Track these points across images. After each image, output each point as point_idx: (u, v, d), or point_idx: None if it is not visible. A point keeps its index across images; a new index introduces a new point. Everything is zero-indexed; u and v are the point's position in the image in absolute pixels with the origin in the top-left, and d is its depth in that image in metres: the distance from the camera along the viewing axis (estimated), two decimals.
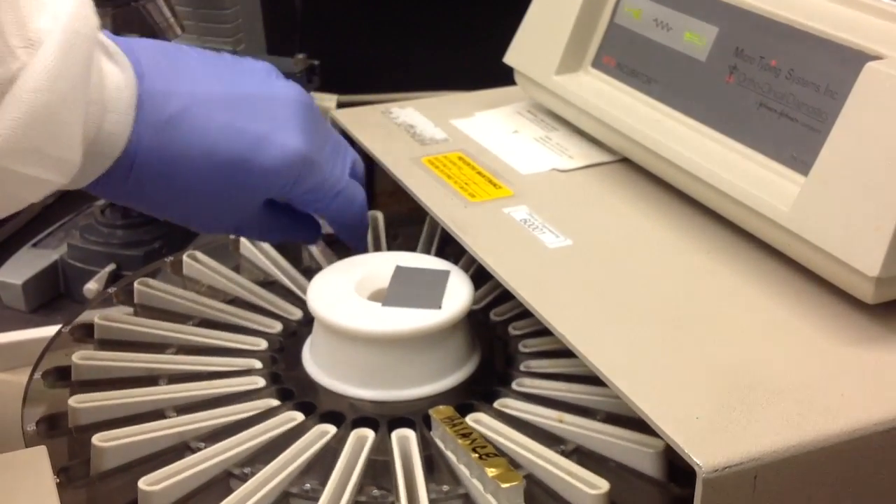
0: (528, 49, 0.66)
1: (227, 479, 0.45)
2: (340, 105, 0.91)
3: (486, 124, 0.66)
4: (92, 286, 0.73)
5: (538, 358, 0.53)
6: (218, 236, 0.64)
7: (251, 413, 0.48)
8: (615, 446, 0.45)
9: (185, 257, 0.61)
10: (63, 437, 0.48)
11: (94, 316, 0.55)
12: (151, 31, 0.78)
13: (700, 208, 0.55)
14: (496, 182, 0.58)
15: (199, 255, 0.61)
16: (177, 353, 0.54)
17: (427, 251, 0.61)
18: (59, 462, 0.45)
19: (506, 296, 0.55)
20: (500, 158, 0.61)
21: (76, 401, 0.48)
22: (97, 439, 0.45)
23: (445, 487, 0.44)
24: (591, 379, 0.49)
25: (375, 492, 0.44)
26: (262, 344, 0.54)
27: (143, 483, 0.42)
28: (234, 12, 0.87)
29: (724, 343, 0.44)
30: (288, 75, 0.79)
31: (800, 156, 0.49)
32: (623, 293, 0.48)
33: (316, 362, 0.52)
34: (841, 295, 0.47)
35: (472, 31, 1.04)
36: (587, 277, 0.49)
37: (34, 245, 0.79)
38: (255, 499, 0.42)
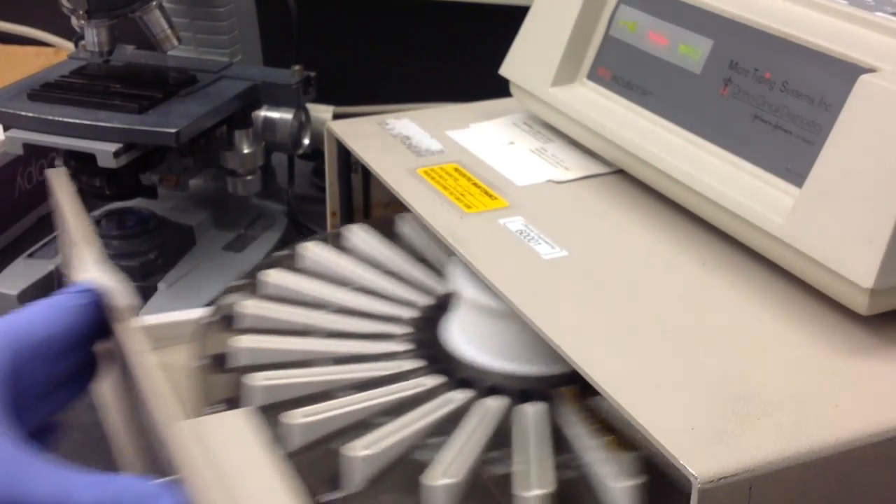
0: (523, 61, 0.66)
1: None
2: (336, 116, 0.92)
3: (481, 136, 0.67)
4: None
5: None
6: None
7: (430, 398, 0.51)
8: None
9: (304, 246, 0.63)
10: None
11: (235, 305, 0.58)
12: (148, 42, 0.79)
13: (695, 220, 0.55)
14: (492, 193, 0.58)
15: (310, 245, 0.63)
16: (325, 337, 0.56)
17: None
18: None
19: None
20: (495, 170, 0.62)
21: (262, 378, 0.50)
22: (289, 418, 0.48)
23: (564, 459, 0.46)
24: None
25: (494, 453, 0.47)
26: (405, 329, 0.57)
27: (346, 451, 0.45)
28: (230, 24, 0.87)
29: (719, 354, 0.44)
30: (284, 86, 0.80)
31: (794, 168, 0.49)
32: (618, 304, 0.48)
33: (461, 335, 0.55)
34: (835, 306, 0.47)
35: (468, 43, 1.04)
36: (582, 288, 0.49)
37: (30, 255, 0.79)
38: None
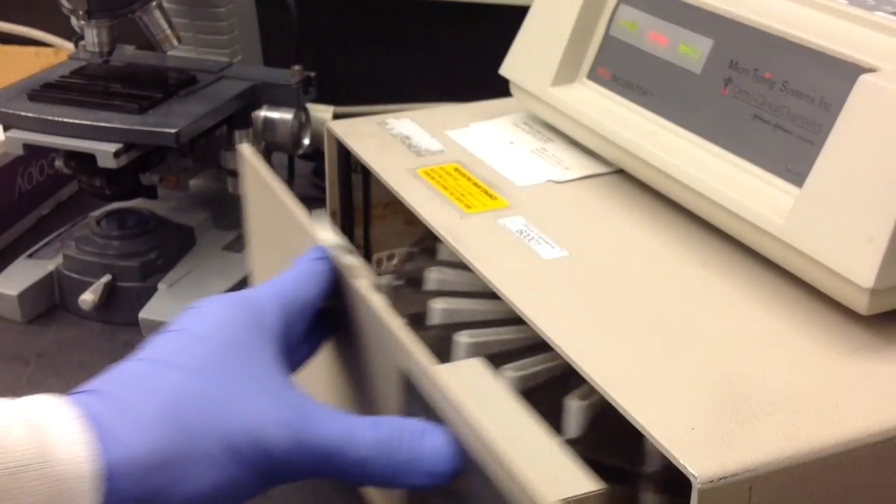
0: (523, 61, 0.66)
1: None
2: (336, 116, 0.92)
3: (481, 135, 0.67)
4: (87, 297, 0.73)
5: None
6: None
7: None
8: None
9: None
10: None
11: (422, 270, 0.61)
12: (148, 42, 0.79)
13: (695, 220, 0.55)
14: (492, 193, 0.58)
15: None
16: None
17: None
18: None
19: None
20: (495, 170, 0.62)
21: (467, 335, 0.53)
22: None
23: None
24: None
25: None
26: None
27: (568, 400, 0.48)
28: (230, 24, 0.87)
29: (720, 354, 0.44)
30: (284, 86, 0.80)
31: (794, 167, 0.49)
32: (619, 304, 0.48)
33: None
34: (835, 306, 0.47)
35: (468, 43, 1.04)
36: (583, 288, 0.49)
37: (30, 256, 0.79)
38: None
